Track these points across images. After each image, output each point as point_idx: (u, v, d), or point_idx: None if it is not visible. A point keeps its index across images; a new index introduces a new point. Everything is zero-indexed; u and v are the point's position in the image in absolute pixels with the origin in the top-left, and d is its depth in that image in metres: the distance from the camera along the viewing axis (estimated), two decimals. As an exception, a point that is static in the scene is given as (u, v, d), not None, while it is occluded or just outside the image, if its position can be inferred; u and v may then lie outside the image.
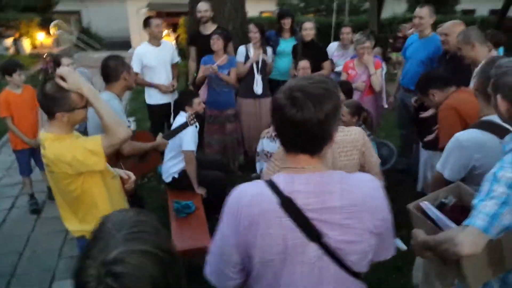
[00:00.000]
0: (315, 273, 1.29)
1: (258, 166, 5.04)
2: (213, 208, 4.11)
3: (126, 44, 21.92)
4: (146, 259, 0.86)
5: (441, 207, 1.76)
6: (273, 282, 1.32)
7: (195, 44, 5.39)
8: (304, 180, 1.28)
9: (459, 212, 1.72)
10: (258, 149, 5.02)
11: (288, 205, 1.26)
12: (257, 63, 5.05)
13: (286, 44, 5.44)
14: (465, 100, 2.74)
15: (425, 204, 1.77)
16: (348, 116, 3.83)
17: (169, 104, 5.10)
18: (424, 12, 4.32)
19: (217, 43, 4.77)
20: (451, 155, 2.13)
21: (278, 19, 5.54)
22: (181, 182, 4.01)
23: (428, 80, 3.11)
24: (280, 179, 1.31)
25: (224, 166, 4.57)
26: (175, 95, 5.16)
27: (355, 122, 3.84)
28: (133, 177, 2.61)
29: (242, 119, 5.24)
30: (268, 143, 4.93)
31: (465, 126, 2.37)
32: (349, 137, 2.23)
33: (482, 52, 3.32)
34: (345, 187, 1.28)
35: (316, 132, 1.26)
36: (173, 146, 4.01)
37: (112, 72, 3.04)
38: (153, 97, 5.09)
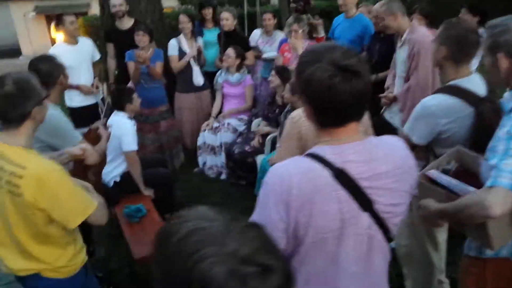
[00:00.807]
0: (365, 243, 1.25)
1: (200, 160, 4.88)
2: (164, 208, 3.89)
3: (15, 52, 20.11)
4: (260, 238, 0.76)
5: (444, 173, 1.77)
6: (326, 261, 1.24)
7: (112, 40, 5.05)
8: (353, 150, 1.22)
9: (463, 176, 1.74)
10: (199, 143, 4.86)
11: (342, 176, 1.18)
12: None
13: (210, 34, 5.32)
14: None
15: (433, 172, 1.76)
16: (288, 94, 3.81)
17: (94, 105, 4.70)
18: None
19: (143, 39, 4.50)
20: (418, 120, 2.16)
21: (199, 9, 5.38)
22: (124, 186, 3.72)
23: None
24: (326, 152, 1.22)
25: (165, 163, 4.34)
26: (100, 95, 4.78)
27: (297, 102, 3.83)
28: (89, 148, 2.41)
29: (182, 114, 5.05)
30: (210, 136, 4.79)
31: None
32: None
33: (404, 22, 3.47)
34: (386, 152, 1.25)
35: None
36: (110, 148, 3.71)
37: (46, 78, 2.52)
38: (74, 100, 4.66)
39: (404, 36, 3.40)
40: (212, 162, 4.83)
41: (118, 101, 3.75)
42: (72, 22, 4.46)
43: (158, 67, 4.65)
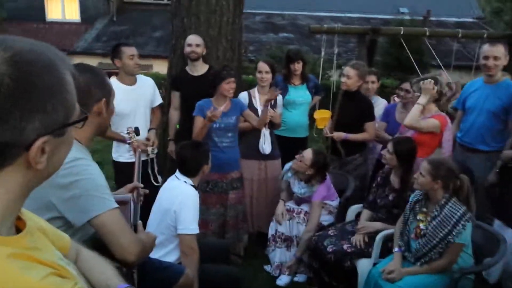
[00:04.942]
0: None
1: (272, 256, 3.59)
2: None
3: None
4: None
5: None
6: None
7: (180, 88, 4.11)
8: None
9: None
10: (271, 232, 3.63)
11: None
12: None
13: (296, 93, 4.34)
14: None
15: None
16: (428, 179, 2.62)
17: (144, 162, 3.62)
18: (500, 51, 3.31)
19: (233, 87, 3.54)
20: None
21: (287, 63, 4.41)
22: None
23: None
24: None
25: (228, 252, 3.12)
26: (154, 153, 3.76)
27: (437, 190, 2.62)
28: None
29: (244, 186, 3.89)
30: (286, 226, 3.55)
31: None
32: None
33: None
34: None
35: None
36: (162, 225, 2.60)
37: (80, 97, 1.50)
38: (123, 153, 3.66)
39: None
40: (281, 258, 3.56)
41: (194, 162, 2.69)
42: (132, 56, 3.55)
43: (251, 117, 3.75)
